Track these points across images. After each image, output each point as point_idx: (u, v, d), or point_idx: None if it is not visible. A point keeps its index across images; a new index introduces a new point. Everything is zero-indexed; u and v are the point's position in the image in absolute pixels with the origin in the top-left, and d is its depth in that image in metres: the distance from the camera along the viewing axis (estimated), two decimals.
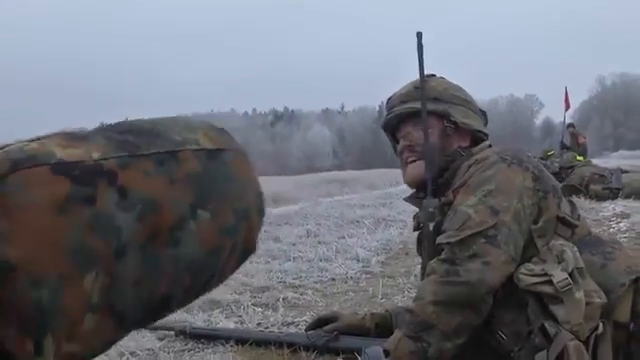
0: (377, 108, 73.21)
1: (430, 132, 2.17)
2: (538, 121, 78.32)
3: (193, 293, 0.62)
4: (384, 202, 8.99)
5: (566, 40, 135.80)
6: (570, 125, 13.70)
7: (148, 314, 0.58)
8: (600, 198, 8.27)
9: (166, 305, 0.59)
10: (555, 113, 69.55)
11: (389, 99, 2.35)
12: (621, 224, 6.17)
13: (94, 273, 0.50)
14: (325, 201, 9.83)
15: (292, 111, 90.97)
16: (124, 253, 0.52)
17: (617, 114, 67.58)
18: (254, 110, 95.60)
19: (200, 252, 0.58)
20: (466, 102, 2.27)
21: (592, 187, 8.52)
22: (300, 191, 13.24)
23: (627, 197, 8.04)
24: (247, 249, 0.66)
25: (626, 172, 8.97)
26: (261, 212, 0.67)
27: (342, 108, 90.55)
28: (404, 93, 2.28)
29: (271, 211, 8.09)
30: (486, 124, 2.35)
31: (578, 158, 9.75)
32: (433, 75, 2.31)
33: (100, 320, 0.52)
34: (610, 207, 7.40)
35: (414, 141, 2.23)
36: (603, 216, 6.72)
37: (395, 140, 2.36)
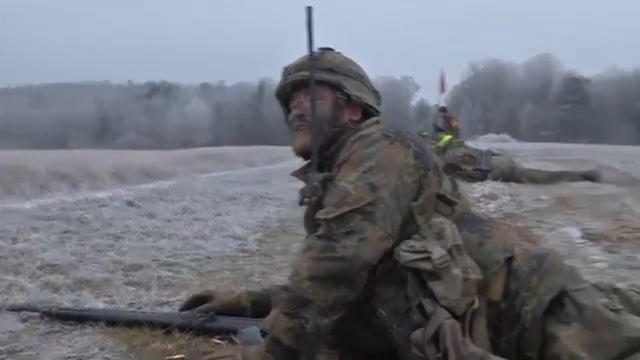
0: (257, 84, 73.10)
1: (322, 103, 2.18)
2: (413, 102, 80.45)
3: None
4: (261, 179, 8.99)
5: (443, 27, 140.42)
6: (442, 109, 14.04)
7: None
8: (471, 179, 8.64)
9: None
10: (430, 95, 72.07)
11: (286, 68, 2.33)
12: (489, 205, 6.45)
13: None
14: (202, 177, 9.70)
15: (170, 84, 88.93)
16: None
17: (487, 99, 70.57)
18: (129, 82, 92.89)
19: None
20: (360, 77, 2.29)
21: (464, 167, 8.88)
22: (176, 166, 12.97)
23: (495, 179, 8.44)
24: None
25: (495, 155, 9.42)
26: None
27: (221, 83, 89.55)
28: (300, 63, 2.27)
29: (145, 187, 7.89)
30: (379, 104, 2.37)
31: (446, 138, 10.12)
32: (330, 49, 2.32)
33: None
34: (479, 188, 7.73)
35: (305, 111, 2.22)
36: (473, 197, 6.99)
37: (287, 110, 2.35)
